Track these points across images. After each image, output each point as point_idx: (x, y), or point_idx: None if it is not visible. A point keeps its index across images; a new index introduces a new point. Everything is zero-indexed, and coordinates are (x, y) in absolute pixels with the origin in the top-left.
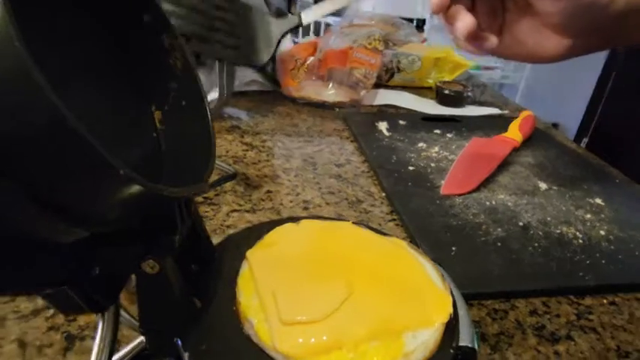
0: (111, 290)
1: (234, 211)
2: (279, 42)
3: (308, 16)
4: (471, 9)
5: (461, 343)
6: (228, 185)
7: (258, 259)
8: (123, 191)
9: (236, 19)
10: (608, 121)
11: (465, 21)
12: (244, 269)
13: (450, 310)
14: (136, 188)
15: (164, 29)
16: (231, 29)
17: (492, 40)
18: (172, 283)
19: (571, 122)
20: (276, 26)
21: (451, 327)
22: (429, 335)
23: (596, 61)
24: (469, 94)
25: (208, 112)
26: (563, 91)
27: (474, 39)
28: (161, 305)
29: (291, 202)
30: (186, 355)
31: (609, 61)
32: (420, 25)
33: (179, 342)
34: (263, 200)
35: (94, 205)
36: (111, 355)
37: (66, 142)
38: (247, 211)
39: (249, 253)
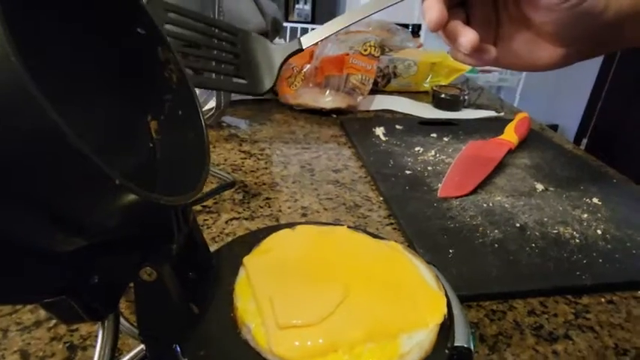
0: (110, 298)
1: (233, 219)
2: (280, 68)
3: (308, 41)
4: (466, 23)
5: (456, 344)
6: (226, 193)
7: (254, 266)
8: (119, 200)
9: (238, 48)
10: (606, 121)
11: (469, 36)
12: (241, 276)
13: (444, 310)
14: (131, 197)
15: (158, 42)
16: (234, 60)
17: (491, 52)
18: (170, 290)
19: (570, 123)
20: (277, 52)
21: (446, 327)
22: (424, 336)
23: (594, 61)
24: (465, 97)
25: (203, 123)
26: (561, 93)
27: (474, 51)
28: (159, 312)
29: (289, 208)
30: None
31: (606, 62)
32: (416, 30)
33: (178, 348)
34: (261, 207)
35: (91, 214)
36: None
37: (63, 153)
38: (246, 219)
39: (245, 260)
